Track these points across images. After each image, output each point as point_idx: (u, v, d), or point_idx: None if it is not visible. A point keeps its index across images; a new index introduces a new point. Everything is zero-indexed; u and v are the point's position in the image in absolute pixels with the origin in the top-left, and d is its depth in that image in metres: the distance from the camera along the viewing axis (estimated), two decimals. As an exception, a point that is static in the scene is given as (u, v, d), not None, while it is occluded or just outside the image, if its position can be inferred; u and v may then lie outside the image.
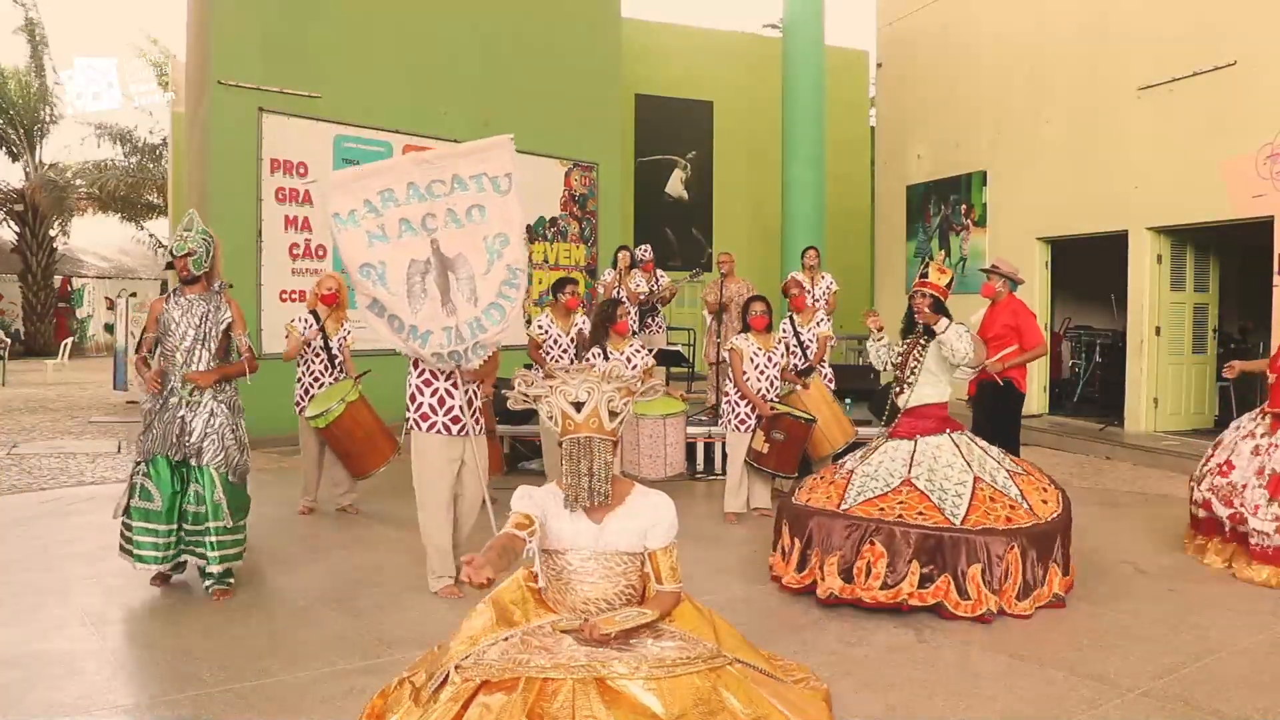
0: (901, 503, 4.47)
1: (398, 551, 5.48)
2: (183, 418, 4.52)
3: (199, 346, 4.57)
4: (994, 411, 6.30)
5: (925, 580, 4.27)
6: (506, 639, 2.68)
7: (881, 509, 4.46)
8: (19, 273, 24.70)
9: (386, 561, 5.32)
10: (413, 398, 4.77)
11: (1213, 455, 5.36)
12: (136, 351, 4.86)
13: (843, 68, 15.79)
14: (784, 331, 7.10)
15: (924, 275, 4.97)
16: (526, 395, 2.92)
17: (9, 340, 19.15)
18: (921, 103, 13.15)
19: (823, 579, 4.41)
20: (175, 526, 4.54)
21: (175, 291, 4.68)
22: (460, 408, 4.71)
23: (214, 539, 4.55)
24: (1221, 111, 8.98)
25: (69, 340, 19.44)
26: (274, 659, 3.83)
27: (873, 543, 4.35)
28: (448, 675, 2.61)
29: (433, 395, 4.72)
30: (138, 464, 4.60)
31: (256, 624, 4.30)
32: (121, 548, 4.63)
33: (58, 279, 25.65)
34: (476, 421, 4.80)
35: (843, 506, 4.54)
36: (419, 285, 4.64)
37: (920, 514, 4.41)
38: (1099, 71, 10.34)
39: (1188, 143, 9.31)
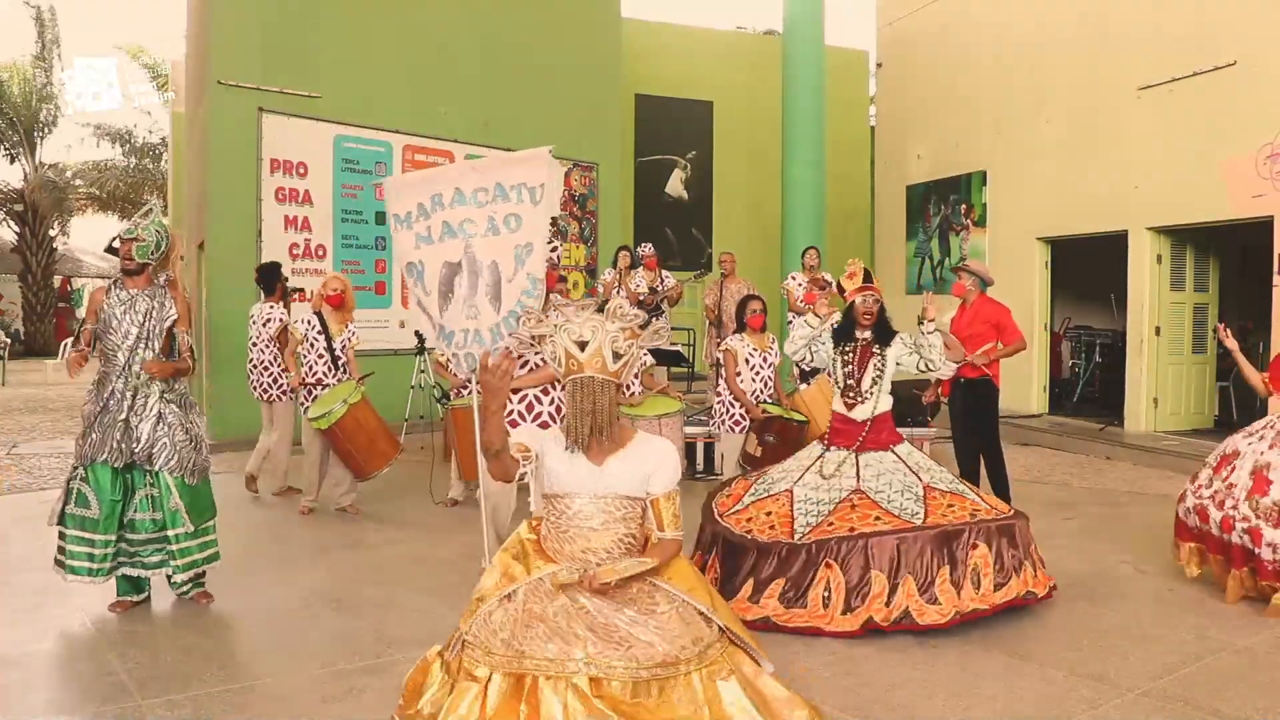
0: (854, 507, 4.30)
1: (398, 551, 5.48)
2: (126, 421, 4.23)
3: (141, 346, 4.29)
4: (972, 408, 6.34)
5: (891, 592, 4.08)
6: (509, 596, 2.74)
7: (833, 524, 4.25)
8: (19, 273, 24.71)
9: (386, 561, 5.32)
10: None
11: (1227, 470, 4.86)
12: (74, 345, 4.47)
13: (843, 68, 15.78)
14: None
15: (867, 279, 4.74)
16: (531, 335, 2.91)
17: (9, 340, 19.15)
18: (921, 103, 13.15)
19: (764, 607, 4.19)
20: (113, 537, 4.25)
21: (116, 283, 4.38)
22: (549, 414, 4.80)
23: (175, 547, 4.31)
24: (1221, 111, 8.97)
25: (69, 340, 19.42)
26: (274, 659, 3.83)
27: (829, 564, 4.15)
28: (465, 642, 2.71)
29: (521, 401, 4.83)
30: (75, 469, 4.30)
31: (257, 624, 4.30)
32: (55, 559, 4.31)
33: (58, 279, 25.66)
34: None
35: (796, 536, 4.28)
36: (448, 286, 4.76)
37: (877, 519, 4.23)
38: (1099, 71, 10.34)
39: (1188, 143, 9.31)
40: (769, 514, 4.45)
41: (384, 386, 7.03)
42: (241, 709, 3.36)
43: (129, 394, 4.26)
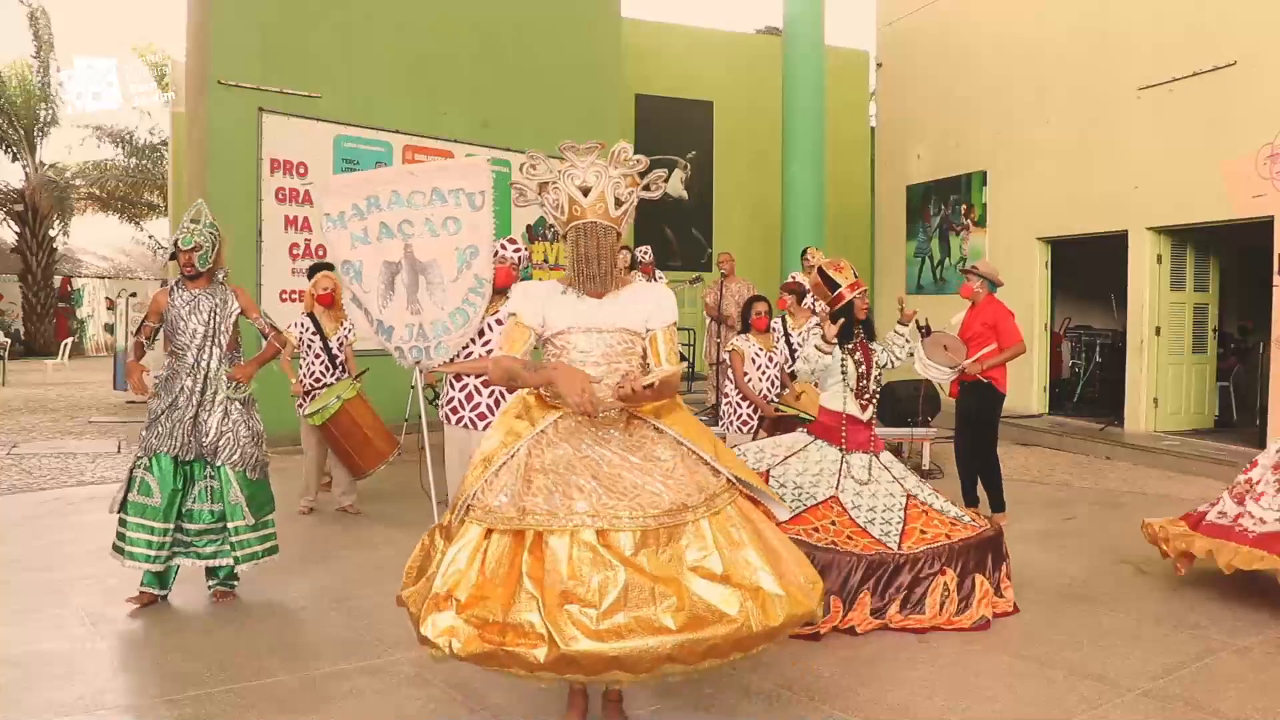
0: (833, 524, 4.20)
1: (398, 551, 5.46)
2: (195, 416, 4.38)
3: (209, 344, 4.44)
4: (972, 412, 6.31)
5: (876, 613, 4.06)
6: (513, 455, 2.80)
7: (817, 528, 4.18)
8: (19, 273, 24.72)
9: (386, 561, 5.31)
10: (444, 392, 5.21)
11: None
12: (136, 335, 4.70)
13: (843, 68, 15.77)
14: (774, 330, 7.08)
15: (855, 274, 4.70)
16: (529, 182, 2.98)
17: (9, 340, 19.14)
18: (921, 103, 13.15)
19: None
20: (171, 525, 4.38)
21: (178, 284, 4.53)
22: (488, 406, 4.98)
23: (236, 539, 4.47)
24: (1221, 111, 8.97)
25: (69, 340, 19.43)
26: (274, 659, 3.83)
27: (943, 570, 4.13)
28: (470, 505, 2.77)
29: (461, 390, 5.09)
30: (139, 458, 4.45)
31: (256, 624, 4.30)
32: (114, 545, 4.43)
33: (58, 279, 25.66)
34: (480, 417, 5.03)
35: (898, 548, 4.19)
36: (388, 284, 5.18)
37: (849, 539, 4.15)
38: (1099, 71, 10.34)
39: (1188, 143, 9.31)
40: (833, 524, 4.24)
41: (383, 386, 7.01)
42: (241, 709, 3.36)
43: (198, 391, 4.42)
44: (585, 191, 2.89)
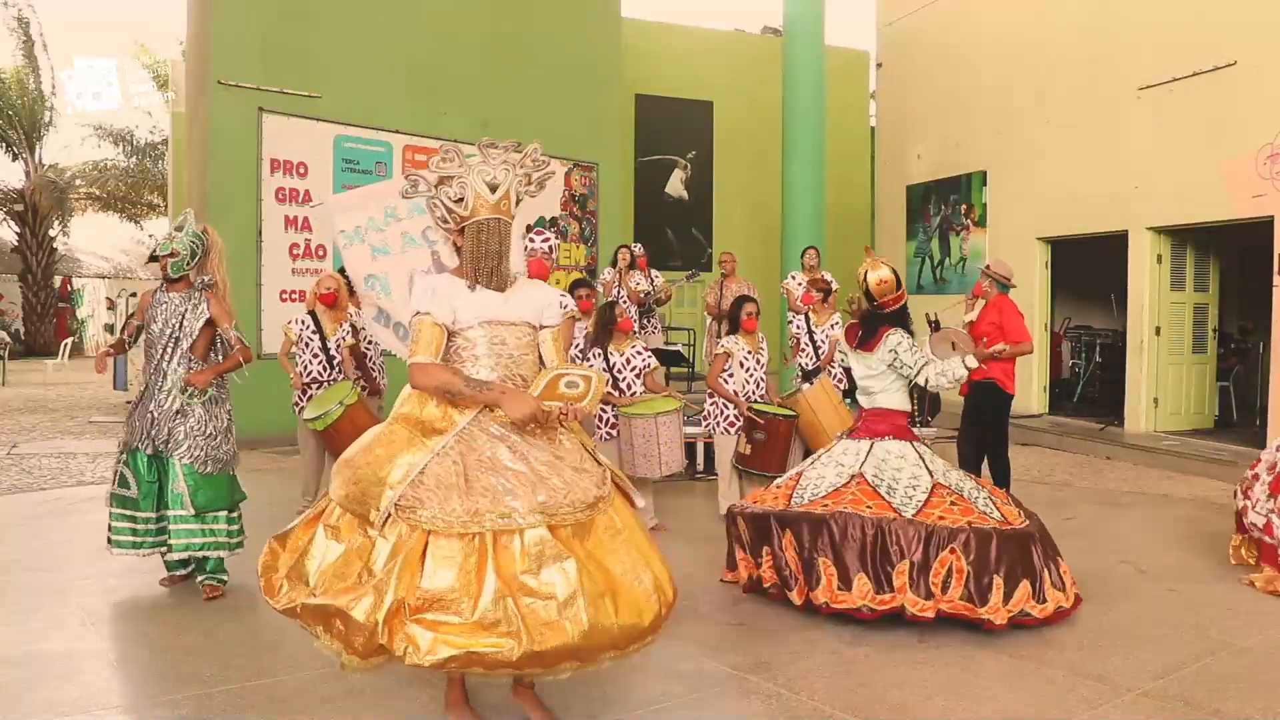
0: (852, 496, 4.28)
1: (398, 551, 5.47)
2: (152, 412, 4.58)
3: (173, 345, 4.62)
4: (979, 412, 6.31)
5: (881, 584, 4.06)
6: (438, 456, 2.84)
7: (827, 504, 4.26)
8: (19, 273, 24.72)
9: (386, 561, 5.31)
10: None
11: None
12: (122, 331, 4.94)
13: (843, 68, 15.77)
14: (797, 329, 7.08)
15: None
16: (429, 174, 3.04)
17: (9, 340, 19.15)
18: (921, 103, 13.15)
19: (769, 577, 4.32)
20: (154, 514, 4.60)
21: (160, 288, 4.76)
22: None
23: (172, 528, 4.58)
24: (1221, 111, 8.97)
25: (69, 340, 19.43)
26: (274, 659, 3.83)
27: (821, 536, 4.16)
28: (399, 508, 2.77)
29: None
30: (120, 454, 4.70)
31: (257, 624, 4.30)
32: (107, 537, 4.69)
33: (58, 279, 25.67)
34: None
35: (792, 504, 4.37)
36: None
37: (869, 508, 4.20)
38: (1099, 71, 10.34)
39: (1188, 143, 9.31)
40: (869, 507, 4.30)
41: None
42: (241, 709, 3.36)
43: (155, 388, 4.62)
44: (493, 188, 2.98)
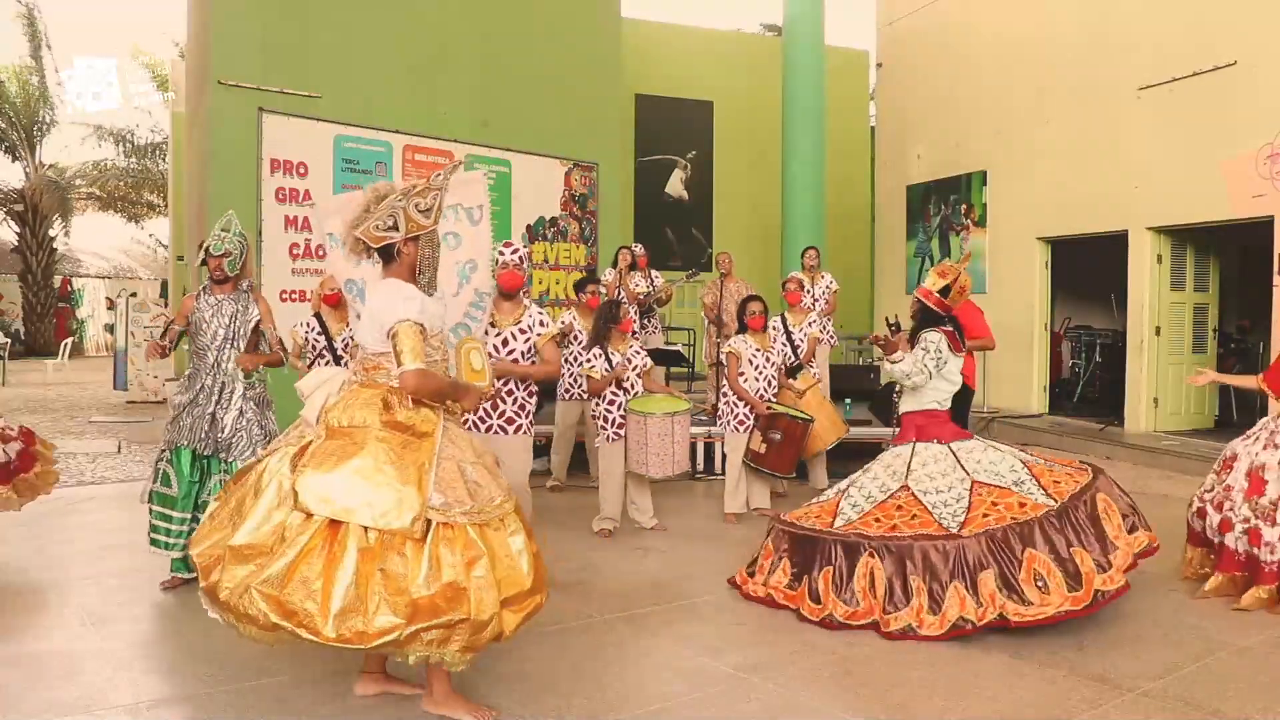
0: (900, 507, 4.31)
1: (398, 551, 5.47)
2: (213, 413, 4.66)
3: (228, 345, 4.73)
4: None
5: (935, 602, 4.05)
6: (442, 456, 3.09)
7: (878, 519, 4.29)
8: (19, 273, 24.72)
9: (386, 561, 5.31)
10: None
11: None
12: (162, 338, 4.97)
13: (843, 68, 15.77)
14: (774, 329, 7.11)
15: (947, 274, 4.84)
16: (440, 185, 3.37)
17: (9, 340, 19.15)
18: (921, 103, 13.15)
19: (822, 603, 4.22)
20: (189, 515, 4.65)
21: (205, 289, 4.82)
22: (485, 409, 5.02)
23: None
24: (1221, 111, 8.97)
25: (69, 340, 19.43)
26: (274, 659, 3.82)
27: (872, 557, 4.17)
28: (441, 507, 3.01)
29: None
30: (162, 451, 4.75)
31: (256, 624, 4.29)
32: (150, 536, 4.73)
33: (58, 279, 25.67)
34: (509, 422, 5.06)
35: (836, 524, 4.37)
36: None
37: (914, 518, 4.24)
38: (1099, 71, 10.34)
39: (1188, 143, 9.31)
40: (914, 517, 4.31)
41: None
42: (241, 709, 3.36)
43: (217, 389, 4.70)
44: (427, 211, 3.31)
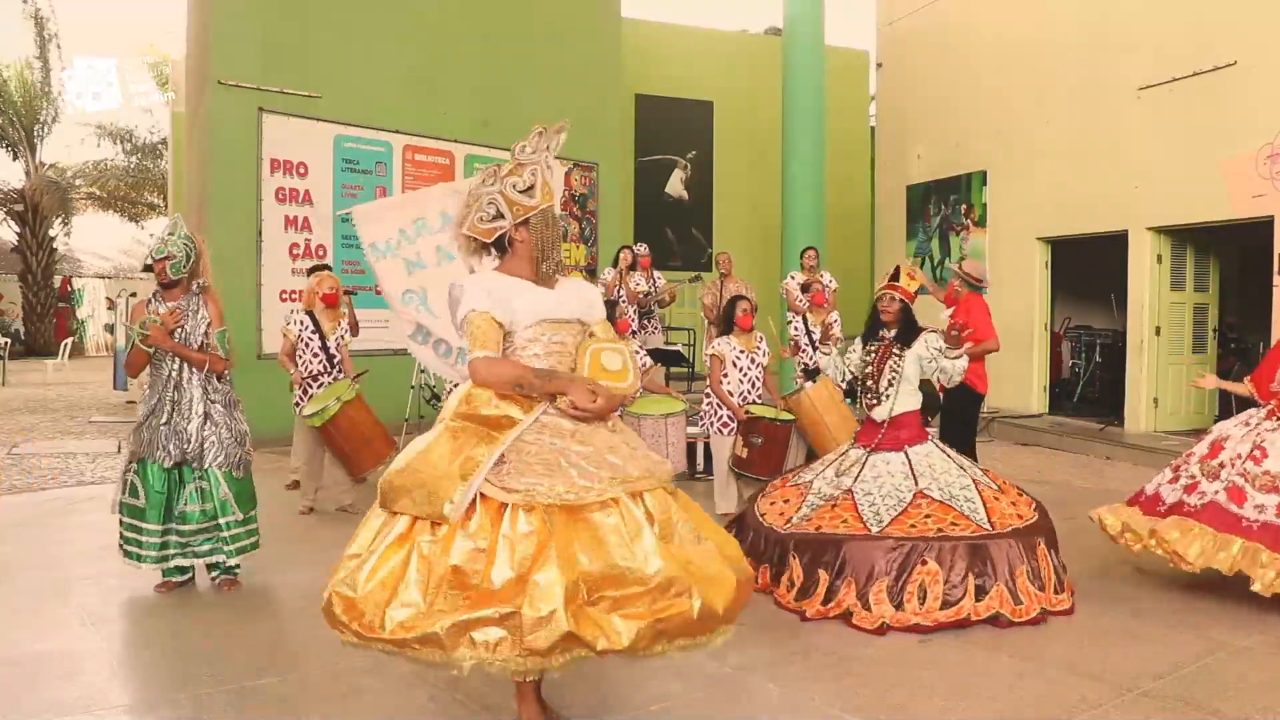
0: (929, 516, 4.33)
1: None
2: (172, 424, 4.54)
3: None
4: (949, 411, 6.37)
5: (980, 592, 4.14)
6: (521, 439, 2.78)
7: (913, 525, 4.29)
8: (19, 273, 24.72)
9: (386, 561, 5.31)
10: None
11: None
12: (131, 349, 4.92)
13: (843, 68, 15.77)
14: (795, 330, 7.11)
15: (894, 278, 4.83)
16: (519, 160, 2.99)
17: (9, 340, 19.15)
18: (921, 103, 13.15)
19: (868, 608, 4.16)
20: (160, 527, 4.54)
21: (155, 295, 4.70)
22: None
23: (227, 534, 4.63)
24: (1221, 111, 8.98)
25: (69, 340, 19.43)
26: (274, 659, 3.83)
27: (924, 561, 4.18)
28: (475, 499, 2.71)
29: None
30: (129, 463, 4.65)
31: (256, 624, 4.30)
32: (120, 546, 4.65)
33: (58, 279, 25.66)
34: None
35: (874, 529, 4.31)
36: None
37: (954, 524, 4.28)
38: (1099, 71, 10.34)
39: (1188, 143, 9.31)
40: (844, 522, 4.42)
41: (384, 386, 7.02)
42: (241, 709, 3.36)
43: (172, 400, 4.56)
44: (530, 189, 2.96)
